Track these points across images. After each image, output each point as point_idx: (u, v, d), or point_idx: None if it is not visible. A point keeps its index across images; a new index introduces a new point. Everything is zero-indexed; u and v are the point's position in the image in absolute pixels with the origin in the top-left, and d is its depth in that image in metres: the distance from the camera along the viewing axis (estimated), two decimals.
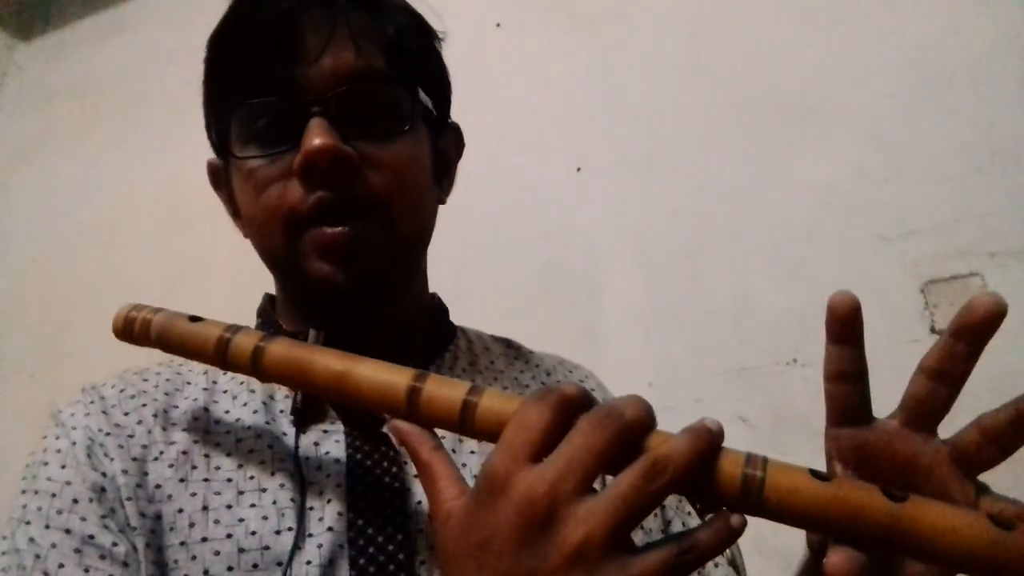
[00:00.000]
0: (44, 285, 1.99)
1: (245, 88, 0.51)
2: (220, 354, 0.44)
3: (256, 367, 0.43)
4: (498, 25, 1.74)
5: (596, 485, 0.33)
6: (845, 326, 0.37)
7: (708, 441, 0.33)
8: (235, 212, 0.58)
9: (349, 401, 0.41)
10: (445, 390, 0.38)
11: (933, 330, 1.21)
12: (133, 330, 0.49)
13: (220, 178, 0.59)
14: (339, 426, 0.52)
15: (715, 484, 0.32)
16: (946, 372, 0.36)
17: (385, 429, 0.52)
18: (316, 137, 0.48)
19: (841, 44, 1.43)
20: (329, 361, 0.41)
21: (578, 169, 1.56)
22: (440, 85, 0.60)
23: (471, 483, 0.36)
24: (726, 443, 0.34)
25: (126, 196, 1.96)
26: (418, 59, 0.57)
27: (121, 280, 1.86)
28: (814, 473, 0.32)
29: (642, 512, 0.32)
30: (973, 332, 0.35)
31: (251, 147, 0.52)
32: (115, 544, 0.45)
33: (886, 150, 1.33)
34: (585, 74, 1.62)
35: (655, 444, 0.33)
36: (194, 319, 0.48)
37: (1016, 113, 1.27)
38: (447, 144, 0.62)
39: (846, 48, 1.42)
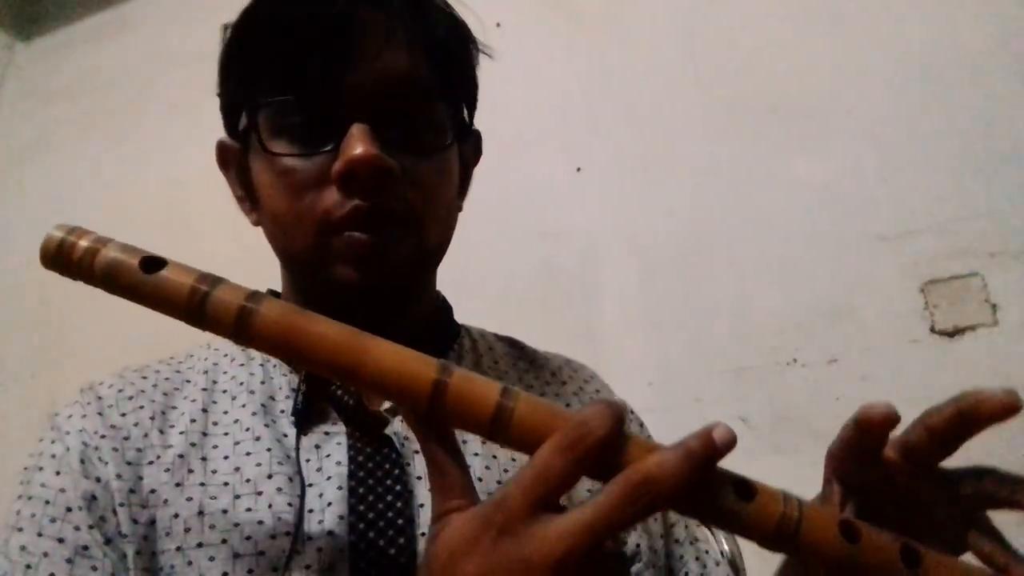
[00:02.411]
0: (44, 285, 1.99)
1: (286, 79, 0.49)
2: (194, 310, 0.36)
3: (241, 331, 0.35)
4: (498, 25, 1.74)
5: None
6: (872, 439, 0.37)
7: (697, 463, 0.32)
8: (243, 196, 0.57)
9: (357, 384, 0.36)
10: (475, 387, 0.34)
11: (933, 330, 1.20)
12: (71, 261, 0.38)
13: (230, 159, 0.57)
14: (341, 428, 0.51)
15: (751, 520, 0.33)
16: (947, 438, 0.36)
17: (387, 431, 0.52)
18: (359, 146, 0.46)
19: (840, 44, 1.42)
20: (337, 336, 0.35)
21: (578, 169, 1.56)
22: (474, 95, 0.59)
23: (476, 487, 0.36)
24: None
25: (126, 196, 1.96)
26: (462, 71, 0.56)
27: None
28: (843, 527, 0.33)
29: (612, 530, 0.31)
30: (977, 423, 0.35)
31: (284, 140, 0.50)
32: (105, 555, 0.44)
33: (885, 150, 1.33)
34: (585, 74, 1.62)
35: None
36: (152, 263, 0.37)
37: (1016, 113, 1.27)
38: (468, 151, 0.61)
39: (845, 48, 1.42)
